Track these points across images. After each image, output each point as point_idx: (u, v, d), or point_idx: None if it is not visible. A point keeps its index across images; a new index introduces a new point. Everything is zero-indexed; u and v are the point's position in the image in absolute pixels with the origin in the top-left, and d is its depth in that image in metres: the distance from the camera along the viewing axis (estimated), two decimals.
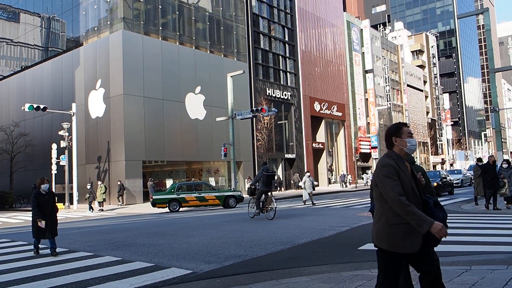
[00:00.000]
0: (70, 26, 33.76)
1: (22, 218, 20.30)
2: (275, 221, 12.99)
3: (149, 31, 30.11)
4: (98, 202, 23.46)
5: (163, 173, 32.09)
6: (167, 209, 19.93)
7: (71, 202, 25.78)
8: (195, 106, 31.72)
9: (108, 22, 29.53)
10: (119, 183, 25.57)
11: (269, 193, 14.09)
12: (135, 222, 15.30)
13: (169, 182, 30.45)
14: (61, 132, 26.19)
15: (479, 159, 15.89)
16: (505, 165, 14.12)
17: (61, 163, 26.72)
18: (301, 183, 21.66)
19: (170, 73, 30.26)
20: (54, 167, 26.92)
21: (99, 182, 24.23)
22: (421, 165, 63.42)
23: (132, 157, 27.42)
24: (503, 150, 24.46)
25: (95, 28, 30.77)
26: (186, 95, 31.28)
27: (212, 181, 33.50)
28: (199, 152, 31.81)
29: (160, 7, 30.92)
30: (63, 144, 26.15)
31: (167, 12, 31.83)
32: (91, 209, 22.70)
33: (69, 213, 22.53)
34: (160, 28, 30.76)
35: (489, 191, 13.95)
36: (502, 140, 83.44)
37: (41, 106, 24.89)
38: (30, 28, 37.21)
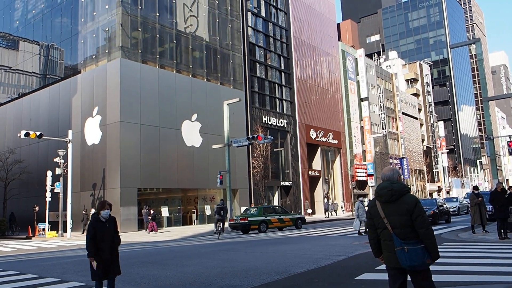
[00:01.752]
0: (69, 54, 34.10)
1: (14, 246, 19.97)
2: (271, 249, 12.84)
3: (147, 59, 30.44)
4: None
5: (159, 201, 31.85)
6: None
7: (65, 230, 25.44)
8: (191, 133, 31.79)
9: (106, 51, 29.87)
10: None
11: (220, 222, 20.25)
12: (129, 250, 15.07)
13: (164, 210, 30.21)
14: (56, 159, 26.07)
15: (476, 187, 15.87)
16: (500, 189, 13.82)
17: (55, 190, 26.49)
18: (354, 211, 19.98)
19: (166, 101, 30.44)
20: (48, 194, 26.66)
21: (93, 210, 23.98)
22: (415, 194, 63.37)
23: (128, 184, 27.26)
24: (499, 178, 24.52)
25: (93, 56, 31.09)
26: (182, 122, 31.38)
27: (207, 209, 33.27)
28: (195, 180, 31.69)
29: (157, 36, 31.37)
30: (58, 171, 25.99)
31: (165, 41, 32.28)
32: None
33: (62, 241, 22.21)
34: (158, 56, 31.12)
35: (499, 219, 13.41)
36: (498, 167, 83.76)
37: (37, 133, 24.86)
38: (29, 55, 37.57)
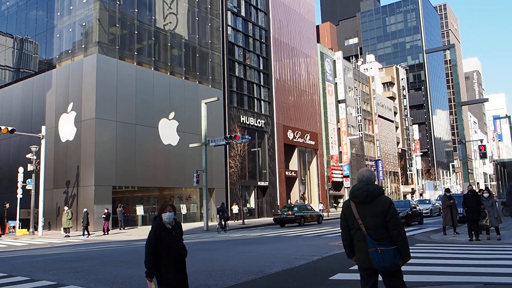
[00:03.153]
0: (44, 48, 33.39)
1: None
2: (247, 249, 12.85)
3: (124, 55, 30.05)
4: (64, 228, 22.73)
5: (134, 199, 31.47)
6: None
7: (36, 228, 24.89)
8: (168, 131, 31.53)
9: (83, 46, 29.36)
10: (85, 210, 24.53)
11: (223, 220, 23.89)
12: (103, 249, 14.85)
13: (139, 209, 29.88)
14: (28, 155, 25.49)
15: (447, 190, 16.21)
16: (486, 195, 14.08)
17: (27, 187, 25.89)
18: None
19: (144, 98, 30.10)
20: (20, 191, 26.03)
21: (66, 208, 23.50)
22: (389, 195, 64.33)
23: (102, 182, 26.85)
24: (470, 181, 25.18)
25: (69, 51, 30.51)
26: (159, 120, 31.09)
27: (183, 208, 33.08)
28: (171, 178, 31.45)
29: (136, 32, 31.00)
30: (30, 167, 25.42)
31: (143, 38, 31.92)
32: (85, 234, 22.00)
33: (33, 239, 21.71)
34: (135, 53, 30.75)
35: (469, 221, 13.64)
36: (469, 171, 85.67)
37: (9, 128, 24.23)
38: (2, 48, 36.59)
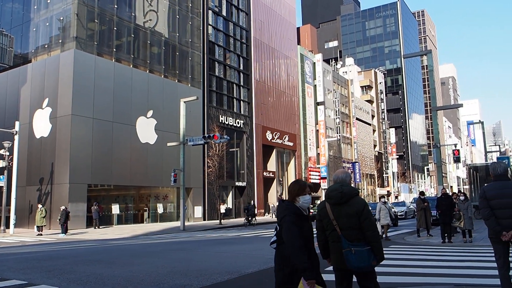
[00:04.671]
0: (19, 42, 32.63)
1: None
2: (224, 249, 12.81)
3: (102, 52, 29.61)
4: (37, 226, 22.25)
5: (110, 198, 31.03)
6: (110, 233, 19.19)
7: (7, 226, 24.29)
8: (146, 130, 31.21)
9: (60, 41, 28.81)
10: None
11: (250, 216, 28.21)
12: (77, 248, 14.60)
13: (115, 207, 29.48)
14: (1, 151, 24.86)
15: (422, 193, 16.50)
16: (462, 197, 14.37)
17: None
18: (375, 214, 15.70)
19: (121, 96, 29.73)
20: None
21: (39, 206, 23.00)
22: (365, 198, 65.08)
23: (77, 180, 26.39)
24: (444, 184, 25.70)
25: (46, 46, 29.90)
26: (137, 118, 30.76)
27: (160, 208, 32.80)
28: (148, 177, 31.14)
29: (115, 28, 30.59)
30: (2, 164, 24.80)
31: (122, 34, 31.53)
32: (63, 233, 21.53)
33: (4, 237, 21.19)
34: (114, 49, 30.33)
35: (442, 224, 13.92)
36: (443, 174, 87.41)
37: None
38: None
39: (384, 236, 15.24)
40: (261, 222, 31.27)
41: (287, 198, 3.79)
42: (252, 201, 34.31)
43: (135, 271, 8.83)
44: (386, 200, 15.93)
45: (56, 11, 29.48)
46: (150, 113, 31.61)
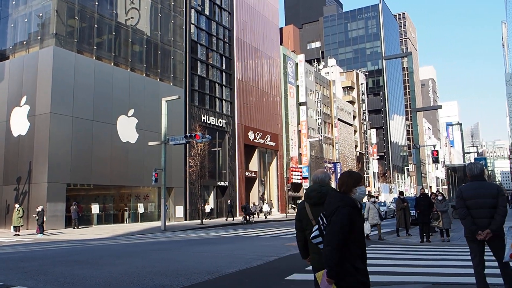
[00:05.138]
0: None
1: None
2: (205, 249, 12.77)
3: (83, 49, 29.20)
4: (14, 226, 21.82)
5: (89, 197, 30.62)
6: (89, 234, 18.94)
7: None
8: (127, 129, 30.90)
9: (39, 37, 28.30)
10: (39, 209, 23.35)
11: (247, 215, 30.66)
12: (55, 248, 14.36)
13: (94, 207, 29.10)
14: None
15: (401, 193, 16.73)
16: (440, 197, 14.59)
17: None
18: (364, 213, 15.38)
19: (102, 94, 29.36)
20: None
21: (17, 205, 22.56)
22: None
23: (56, 179, 25.97)
24: (423, 185, 26.13)
25: (24, 42, 29.33)
26: (118, 117, 30.42)
27: (141, 207, 32.51)
28: (129, 177, 30.83)
29: (96, 26, 30.20)
30: None
31: (103, 32, 31.13)
32: (41, 233, 21.11)
33: None
34: (95, 47, 29.94)
35: (421, 223, 14.14)
36: (422, 175, 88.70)
37: None
38: None
39: (372, 235, 15.23)
40: (256, 221, 31.29)
41: (340, 190, 3.51)
42: (247, 202, 37.02)
43: (114, 271, 8.73)
44: (375, 200, 15.93)
45: (35, 7, 28.95)
46: (131, 112, 31.31)
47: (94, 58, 29.60)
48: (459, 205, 5.15)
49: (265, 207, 40.07)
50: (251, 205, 38.84)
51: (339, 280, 3.26)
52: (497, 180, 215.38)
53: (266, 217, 38.27)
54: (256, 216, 37.82)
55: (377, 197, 77.12)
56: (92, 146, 28.39)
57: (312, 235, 3.59)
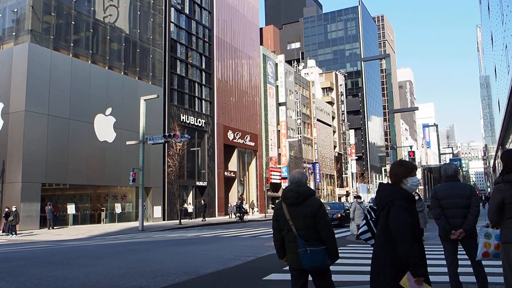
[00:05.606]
0: None
1: None
2: (182, 249, 12.68)
3: (59, 46, 28.67)
4: None
5: (65, 197, 30.09)
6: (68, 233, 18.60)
7: None
8: (104, 128, 30.47)
9: (14, 33, 27.66)
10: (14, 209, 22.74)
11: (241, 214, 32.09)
12: (29, 250, 14.05)
13: (70, 207, 28.61)
14: None
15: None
16: (416, 197, 14.75)
17: None
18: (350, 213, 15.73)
19: (79, 92, 28.89)
20: None
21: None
22: (325, 197, 66.07)
23: (30, 178, 25.43)
24: None
25: None
26: (95, 115, 29.98)
27: (118, 207, 32.11)
28: (106, 176, 30.41)
29: (73, 22, 29.68)
30: None
31: (80, 29, 30.63)
32: (14, 233, 20.58)
33: None
34: (72, 44, 29.43)
35: None
36: None
37: None
38: None
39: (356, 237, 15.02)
40: (235, 221, 31.22)
41: (390, 182, 3.26)
42: (240, 201, 38.09)
43: (89, 272, 8.59)
44: (361, 200, 15.68)
45: (10, 2, 28.29)
46: (109, 110, 30.89)
47: (71, 56, 29.10)
48: (434, 205, 5.23)
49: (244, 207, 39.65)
50: (230, 205, 38.74)
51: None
52: (471, 180, 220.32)
53: (245, 217, 37.65)
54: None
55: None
56: (68, 145, 27.91)
57: (360, 230, 3.44)
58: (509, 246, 3.70)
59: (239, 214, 32.47)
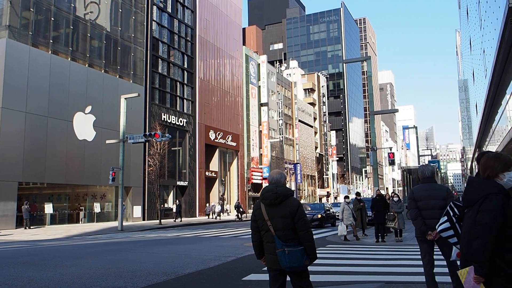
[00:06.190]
0: None
1: None
2: (162, 250, 12.58)
3: (38, 43, 28.14)
4: None
5: (43, 196, 29.54)
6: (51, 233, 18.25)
7: None
8: (84, 126, 30.04)
9: None
10: None
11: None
12: (3, 250, 13.74)
13: (48, 207, 28.11)
14: None
15: (358, 194, 17.09)
16: (396, 199, 14.97)
17: None
18: (338, 213, 15.82)
19: (58, 90, 28.41)
20: None
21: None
22: (306, 198, 66.39)
23: (6, 177, 24.89)
24: (379, 186, 26.86)
25: None
26: (74, 114, 29.54)
27: (97, 207, 31.69)
28: (85, 175, 29.98)
29: (52, 19, 29.18)
30: None
31: (60, 25, 30.13)
32: None
33: None
34: (51, 41, 28.93)
35: (376, 224, 14.46)
36: (379, 176, 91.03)
37: None
38: None
39: (349, 237, 15.11)
40: (216, 221, 31.11)
41: (484, 176, 2.99)
42: (238, 200, 40.13)
43: (66, 273, 8.45)
44: (349, 200, 15.72)
45: None
46: (88, 108, 30.47)
47: (50, 52, 28.60)
48: (411, 206, 5.30)
49: (217, 208, 38.22)
50: (208, 205, 38.68)
51: (488, 280, 2.79)
52: (449, 182, 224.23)
53: (219, 218, 36.91)
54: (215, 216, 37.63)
55: (336, 198, 78.64)
56: (47, 143, 27.43)
57: (441, 227, 3.28)
58: None
59: (237, 214, 34.92)
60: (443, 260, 5.25)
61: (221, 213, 40.14)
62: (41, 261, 10.31)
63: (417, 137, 53.79)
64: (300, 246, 3.81)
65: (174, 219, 33.26)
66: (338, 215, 29.72)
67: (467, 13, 35.56)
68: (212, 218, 37.43)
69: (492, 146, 28.58)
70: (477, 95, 34.80)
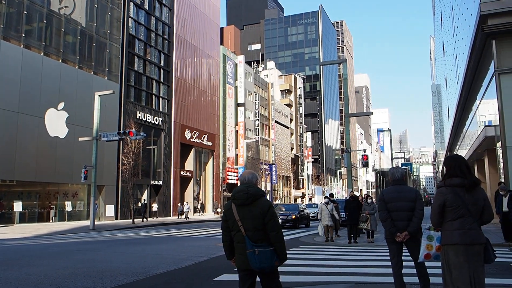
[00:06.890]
0: None
1: None
2: (133, 249, 12.42)
3: (9, 36, 27.41)
4: None
5: (12, 194, 28.76)
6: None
7: None
8: (56, 123, 29.41)
9: None
10: None
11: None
12: None
13: (17, 205, 27.37)
14: None
15: (331, 195, 17.22)
16: (369, 200, 15.15)
17: None
18: (318, 213, 15.77)
19: (30, 85, 27.73)
20: None
21: None
22: (281, 199, 66.68)
23: None
24: (353, 187, 27.18)
25: None
26: (46, 110, 28.89)
27: (68, 206, 31.06)
28: (57, 173, 29.35)
29: (25, 12, 28.47)
30: None
31: (33, 19, 29.42)
32: None
33: None
34: (23, 35, 28.22)
35: (349, 225, 14.56)
36: (354, 178, 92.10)
37: None
38: None
39: (329, 237, 14.95)
40: (189, 221, 30.87)
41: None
42: (197, 199, 39.64)
43: (32, 273, 8.24)
44: (328, 201, 15.42)
45: None
46: (61, 105, 29.85)
47: (22, 47, 27.90)
48: (381, 207, 5.36)
49: (186, 208, 37.13)
50: (182, 204, 38.34)
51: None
52: (421, 184, 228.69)
53: (187, 218, 35.88)
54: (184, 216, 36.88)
55: (310, 199, 79.22)
56: (17, 139, 26.74)
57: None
58: (448, 248, 3.84)
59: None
60: (411, 261, 5.33)
61: (190, 213, 39.31)
62: (6, 261, 10.04)
63: (391, 140, 54.86)
64: (270, 246, 3.81)
65: (141, 219, 32.32)
66: (313, 216, 29.99)
67: (441, 20, 36.37)
68: (181, 218, 36.61)
69: (463, 150, 29.30)
70: (449, 100, 35.62)
